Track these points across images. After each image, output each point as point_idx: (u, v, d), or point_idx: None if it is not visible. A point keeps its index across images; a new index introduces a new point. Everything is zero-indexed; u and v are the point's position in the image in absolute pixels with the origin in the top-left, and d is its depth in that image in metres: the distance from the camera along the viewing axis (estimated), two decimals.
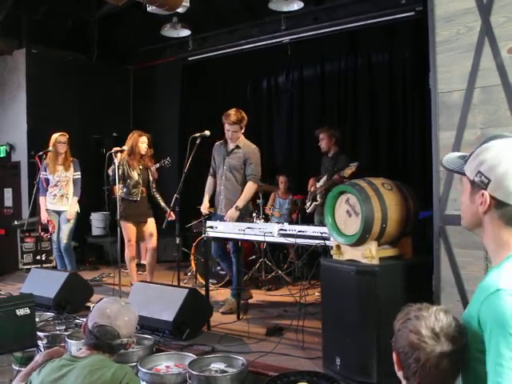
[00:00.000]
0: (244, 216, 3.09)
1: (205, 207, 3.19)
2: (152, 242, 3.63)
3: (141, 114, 5.60)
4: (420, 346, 0.82)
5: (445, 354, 0.81)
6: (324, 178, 3.66)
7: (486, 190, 0.84)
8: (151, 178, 3.66)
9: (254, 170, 3.07)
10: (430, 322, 0.82)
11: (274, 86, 5.39)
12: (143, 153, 3.63)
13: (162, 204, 3.62)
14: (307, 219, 4.03)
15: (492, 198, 0.83)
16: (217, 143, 3.22)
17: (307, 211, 3.89)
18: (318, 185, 3.73)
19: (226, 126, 3.08)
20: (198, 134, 3.02)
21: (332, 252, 2.12)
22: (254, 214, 3.63)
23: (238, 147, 3.13)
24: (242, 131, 3.12)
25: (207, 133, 3.04)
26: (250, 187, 3.07)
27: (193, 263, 4.06)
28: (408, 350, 0.83)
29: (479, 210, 0.85)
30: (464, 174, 0.88)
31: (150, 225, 3.62)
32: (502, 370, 0.73)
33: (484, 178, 0.84)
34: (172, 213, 3.47)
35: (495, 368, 0.74)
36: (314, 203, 3.77)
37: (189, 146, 2.97)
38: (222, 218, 3.05)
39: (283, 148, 5.32)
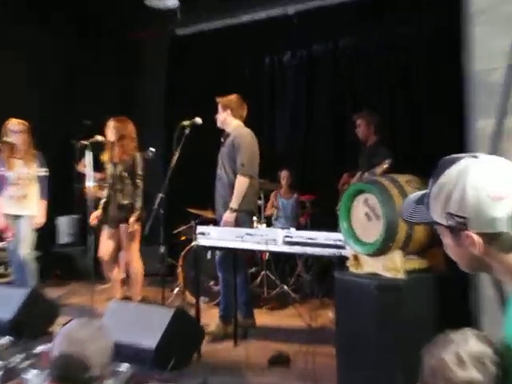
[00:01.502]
0: (245, 221, 3.10)
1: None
2: (124, 255, 3.67)
3: (120, 98, 5.58)
4: (443, 373, 0.82)
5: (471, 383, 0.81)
6: (358, 175, 3.66)
7: (467, 229, 0.81)
8: (122, 174, 3.59)
9: (242, 158, 3.06)
10: (457, 347, 0.83)
11: (278, 64, 5.39)
12: (111, 140, 3.60)
13: (136, 205, 3.59)
14: (318, 224, 4.04)
15: (478, 234, 0.81)
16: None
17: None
18: (353, 182, 3.71)
19: None
20: (187, 122, 3.03)
21: (348, 263, 2.12)
22: (254, 218, 3.62)
23: (228, 135, 3.18)
24: (228, 113, 3.17)
25: (198, 120, 3.05)
26: (239, 183, 3.06)
27: (180, 277, 4.06)
28: (431, 379, 0.84)
29: (473, 251, 0.83)
30: (436, 223, 0.86)
31: (123, 232, 3.62)
32: None
33: (458, 219, 0.81)
34: (133, 220, 3.46)
35: None
36: None
37: (176, 135, 2.97)
38: (219, 221, 3.14)
39: (287, 137, 5.33)
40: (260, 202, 4.09)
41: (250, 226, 3.20)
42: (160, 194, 2.96)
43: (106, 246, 3.69)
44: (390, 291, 1.89)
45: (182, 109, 5.07)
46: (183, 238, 4.35)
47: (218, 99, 3.18)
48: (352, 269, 2.10)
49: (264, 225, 3.86)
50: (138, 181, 3.63)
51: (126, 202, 3.62)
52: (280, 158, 5.17)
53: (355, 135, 3.85)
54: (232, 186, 3.11)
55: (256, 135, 3.24)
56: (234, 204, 3.06)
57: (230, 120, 3.19)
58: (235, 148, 3.10)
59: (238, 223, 3.06)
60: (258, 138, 3.24)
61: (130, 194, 3.63)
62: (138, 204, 3.60)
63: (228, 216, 3.04)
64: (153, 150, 3.73)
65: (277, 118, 5.42)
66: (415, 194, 0.91)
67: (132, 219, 3.57)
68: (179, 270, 4.07)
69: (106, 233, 3.69)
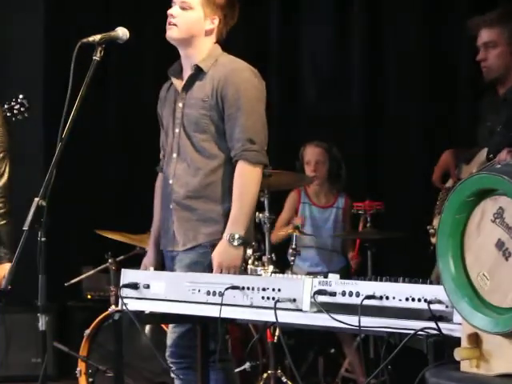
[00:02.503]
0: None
1: (150, 260, 3.51)
2: None
3: None
4: None
5: None
6: (482, 156, 3.72)
7: None
8: None
9: (247, 126, 3.24)
10: None
11: None
12: None
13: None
14: (389, 263, 4.25)
15: None
16: (164, 85, 3.58)
17: (433, 241, 3.99)
18: (465, 172, 3.80)
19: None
20: (96, 37, 3.08)
21: (458, 354, 2.11)
22: (249, 253, 3.58)
23: (199, 70, 3.33)
24: (213, 23, 3.35)
25: (121, 33, 3.14)
26: (246, 178, 3.26)
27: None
28: None
29: None
30: None
31: None
32: None
33: None
34: None
35: None
36: None
37: (72, 67, 2.99)
38: (171, 258, 3.37)
39: (321, 83, 5.69)
40: (261, 217, 4.12)
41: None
42: (37, 200, 2.94)
43: None
44: None
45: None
46: (89, 297, 4.47)
47: None
48: (467, 366, 2.10)
49: (271, 266, 3.85)
50: None
51: None
52: (307, 126, 5.43)
53: (475, 68, 3.92)
54: (209, 178, 3.28)
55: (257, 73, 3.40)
56: (239, 227, 3.20)
57: (209, 42, 3.37)
58: (227, 103, 3.27)
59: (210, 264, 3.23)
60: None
61: None
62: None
63: (231, 253, 3.18)
64: (22, 98, 3.90)
65: (303, 40, 5.69)
66: None
67: None
68: (80, 367, 4.12)
69: None
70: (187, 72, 3.38)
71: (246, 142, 3.22)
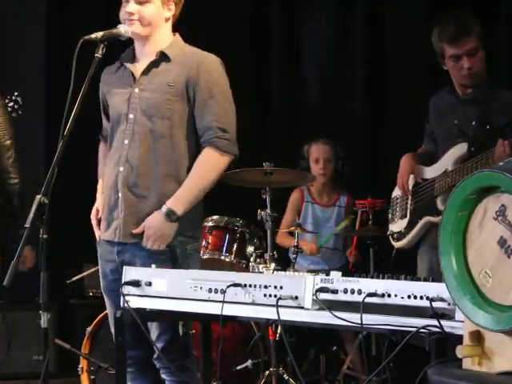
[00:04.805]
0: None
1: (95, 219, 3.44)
2: None
3: None
4: None
5: None
6: (457, 152, 3.70)
7: None
8: None
9: (218, 115, 3.25)
10: None
11: None
12: None
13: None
14: (391, 261, 4.12)
15: None
16: (107, 69, 3.50)
17: (396, 245, 4.02)
18: (430, 173, 3.78)
19: None
20: (99, 34, 3.08)
21: (460, 351, 2.10)
22: (251, 250, 3.57)
23: (163, 56, 3.30)
24: (168, 8, 3.31)
25: (123, 30, 3.16)
26: (211, 163, 3.25)
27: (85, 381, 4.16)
28: None
29: None
30: None
31: None
32: None
33: None
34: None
35: None
36: (422, 223, 3.80)
37: (74, 64, 2.99)
38: (122, 249, 3.30)
39: (322, 78, 5.71)
40: (263, 214, 4.11)
41: (198, 263, 3.30)
42: (39, 197, 2.94)
43: None
44: None
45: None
46: (91, 295, 4.42)
47: None
48: (469, 363, 2.09)
49: (273, 264, 3.84)
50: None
51: None
52: (308, 125, 5.43)
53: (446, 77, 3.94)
54: (180, 179, 3.25)
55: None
56: (180, 205, 3.18)
57: (168, 28, 3.37)
58: (200, 90, 3.26)
59: (174, 258, 3.21)
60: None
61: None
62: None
63: (165, 228, 3.17)
64: (16, 95, 3.92)
65: (304, 40, 5.75)
66: None
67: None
68: (82, 364, 4.13)
69: None
70: (146, 58, 3.34)
71: (218, 130, 3.20)
